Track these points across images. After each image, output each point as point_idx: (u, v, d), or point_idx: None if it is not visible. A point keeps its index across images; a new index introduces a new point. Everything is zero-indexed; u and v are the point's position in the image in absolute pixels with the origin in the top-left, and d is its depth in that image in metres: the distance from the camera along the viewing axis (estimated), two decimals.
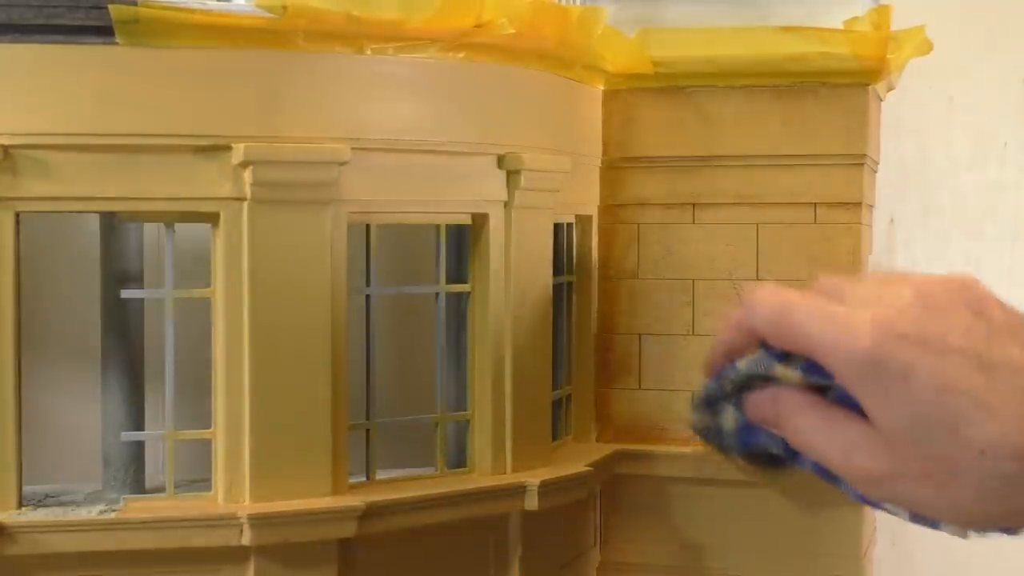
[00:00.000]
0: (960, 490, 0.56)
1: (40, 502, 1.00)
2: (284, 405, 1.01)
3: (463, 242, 1.14)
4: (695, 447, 1.30)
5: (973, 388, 0.55)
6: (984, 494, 0.56)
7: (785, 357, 0.61)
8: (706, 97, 1.30)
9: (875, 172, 1.38)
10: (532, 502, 1.10)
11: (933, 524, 0.60)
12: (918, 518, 0.60)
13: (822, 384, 0.59)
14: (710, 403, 0.65)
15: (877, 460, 0.57)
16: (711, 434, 0.67)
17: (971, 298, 0.58)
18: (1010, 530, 0.59)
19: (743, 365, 0.62)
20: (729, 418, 0.65)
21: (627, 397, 1.33)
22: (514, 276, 1.13)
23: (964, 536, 0.61)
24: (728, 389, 0.64)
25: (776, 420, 0.61)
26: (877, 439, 0.57)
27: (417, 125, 1.06)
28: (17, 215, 0.96)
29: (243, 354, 1.00)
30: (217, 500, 1.00)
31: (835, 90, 1.28)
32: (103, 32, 0.95)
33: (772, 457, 0.63)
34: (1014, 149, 1.67)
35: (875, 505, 0.61)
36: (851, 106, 1.28)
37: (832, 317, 0.57)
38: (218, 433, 1.01)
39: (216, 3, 0.97)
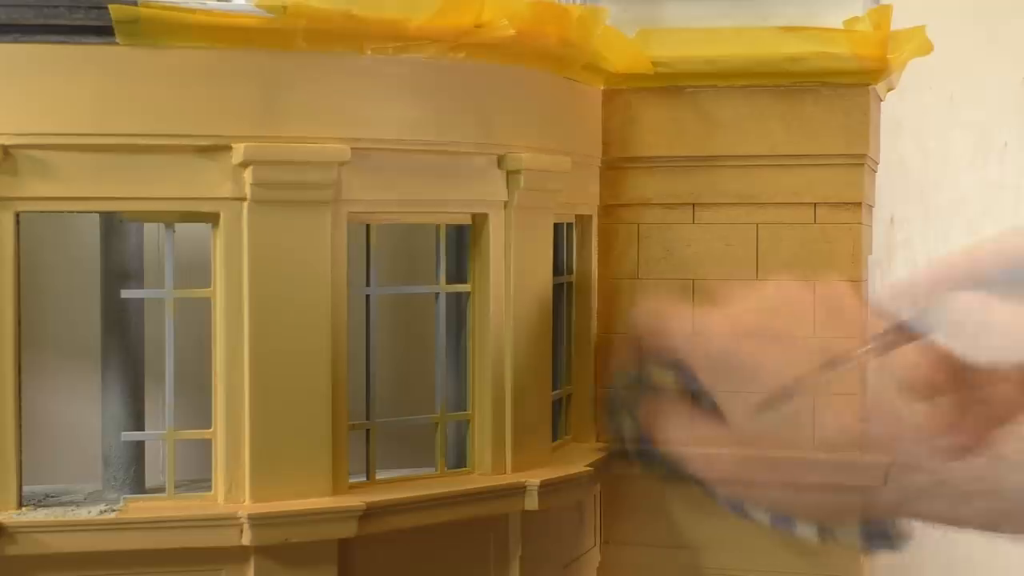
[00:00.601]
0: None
1: (40, 502, 1.00)
2: (284, 405, 1.01)
3: (463, 242, 1.14)
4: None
5: (817, 383, 0.57)
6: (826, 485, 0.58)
7: (667, 366, 0.64)
8: (706, 97, 1.30)
9: (875, 172, 1.38)
10: (532, 502, 1.10)
11: (790, 525, 0.62)
12: (777, 521, 0.61)
13: (695, 390, 0.62)
14: (611, 411, 0.68)
15: (731, 456, 0.59)
16: (617, 441, 0.69)
17: (828, 299, 0.60)
18: (873, 534, 0.60)
19: (632, 372, 0.65)
20: (628, 426, 0.67)
21: None
22: (514, 276, 1.13)
23: (821, 539, 0.62)
24: (621, 396, 0.67)
25: (650, 426, 0.63)
26: (731, 436, 0.59)
27: (417, 125, 1.06)
28: (17, 215, 0.96)
29: (243, 354, 1.00)
30: (217, 500, 1.00)
31: (835, 90, 1.28)
32: (103, 32, 0.95)
33: (667, 464, 0.65)
34: (1014, 149, 1.67)
35: (736, 509, 0.62)
36: (851, 106, 1.28)
37: (692, 319, 0.59)
38: (218, 433, 1.01)
39: (216, 3, 0.97)
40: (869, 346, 0.62)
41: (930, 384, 0.57)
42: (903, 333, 0.61)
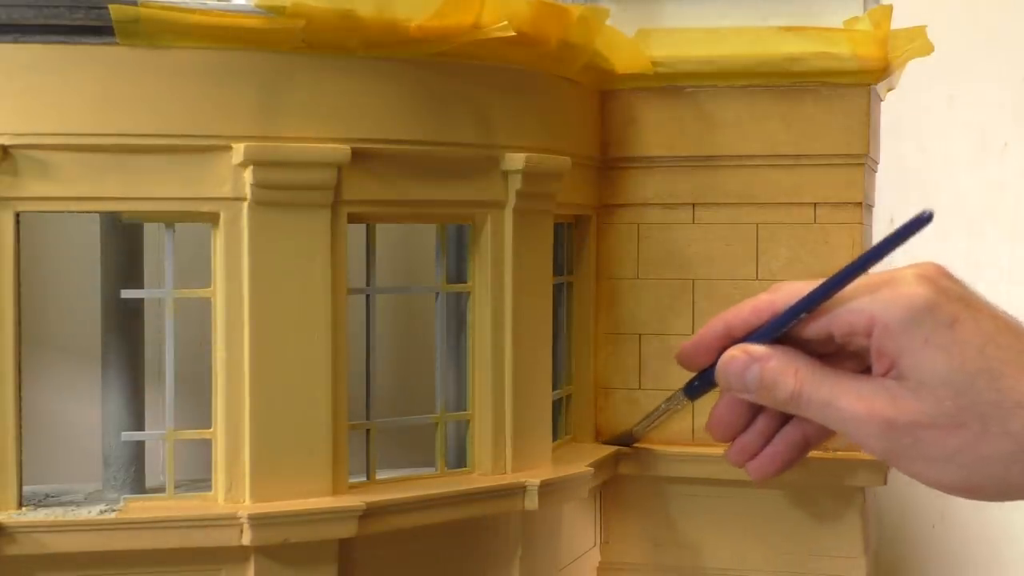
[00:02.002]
0: (992, 443, 0.58)
1: (40, 502, 1.00)
2: (284, 405, 1.01)
3: (463, 242, 1.14)
4: (695, 447, 1.30)
5: (1010, 345, 0.58)
6: (1016, 452, 0.57)
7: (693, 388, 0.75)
8: (706, 97, 1.30)
9: (875, 172, 1.38)
10: (532, 502, 1.10)
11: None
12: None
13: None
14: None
15: (904, 408, 0.59)
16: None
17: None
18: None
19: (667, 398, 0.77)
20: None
21: (627, 397, 1.33)
22: (514, 276, 1.13)
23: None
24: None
25: (796, 396, 0.64)
26: (900, 389, 0.59)
27: (417, 125, 1.06)
28: (17, 215, 0.96)
29: (243, 354, 1.00)
30: (217, 500, 1.00)
31: (835, 90, 1.28)
32: (103, 32, 0.95)
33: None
34: (1014, 149, 1.67)
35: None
36: (851, 106, 1.28)
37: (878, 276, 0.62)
38: (218, 433, 1.01)
39: (216, 3, 0.97)
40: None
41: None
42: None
